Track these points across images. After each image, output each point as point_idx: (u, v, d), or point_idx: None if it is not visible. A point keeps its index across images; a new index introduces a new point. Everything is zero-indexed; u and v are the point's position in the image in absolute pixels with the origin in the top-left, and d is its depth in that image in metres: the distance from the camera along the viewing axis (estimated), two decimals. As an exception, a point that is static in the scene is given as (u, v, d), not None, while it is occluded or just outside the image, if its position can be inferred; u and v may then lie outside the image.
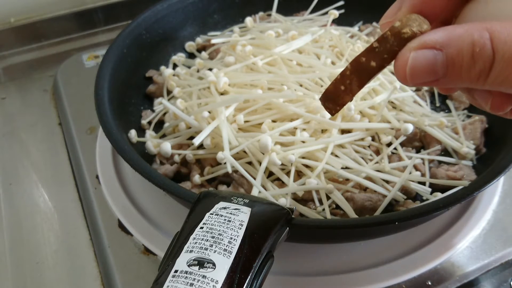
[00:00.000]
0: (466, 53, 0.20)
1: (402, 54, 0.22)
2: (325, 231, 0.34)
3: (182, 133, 0.46)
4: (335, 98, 0.26)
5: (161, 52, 0.57)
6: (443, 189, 0.41)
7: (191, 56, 0.59)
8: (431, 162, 0.44)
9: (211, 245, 0.25)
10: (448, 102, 0.51)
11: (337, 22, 0.61)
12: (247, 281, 0.24)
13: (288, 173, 0.41)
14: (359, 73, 0.25)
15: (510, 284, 0.39)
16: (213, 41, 0.56)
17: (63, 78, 0.61)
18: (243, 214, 0.27)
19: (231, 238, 0.25)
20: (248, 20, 0.59)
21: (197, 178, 0.43)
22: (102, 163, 0.48)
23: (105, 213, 0.44)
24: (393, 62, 0.24)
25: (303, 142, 0.42)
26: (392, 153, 0.44)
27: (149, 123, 0.50)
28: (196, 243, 0.25)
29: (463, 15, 0.25)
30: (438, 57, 0.21)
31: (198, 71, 0.54)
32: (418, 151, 0.46)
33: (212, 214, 0.27)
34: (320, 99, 0.28)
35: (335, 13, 0.58)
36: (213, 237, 0.25)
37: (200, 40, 0.60)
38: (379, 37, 0.24)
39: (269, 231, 0.27)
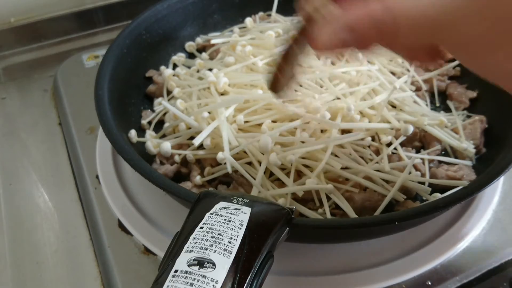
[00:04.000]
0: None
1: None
2: (325, 231, 0.34)
3: (182, 134, 0.46)
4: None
5: (161, 52, 0.57)
6: (443, 189, 0.41)
7: (191, 56, 0.59)
8: (431, 162, 0.44)
9: (211, 245, 0.25)
10: (448, 102, 0.51)
11: (337, 22, 0.61)
12: (247, 281, 0.24)
13: (288, 173, 0.41)
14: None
15: (510, 284, 0.39)
16: (213, 41, 0.56)
17: (63, 78, 0.61)
18: (243, 214, 0.27)
19: (231, 238, 0.25)
20: (248, 20, 0.59)
21: (198, 179, 0.43)
22: (102, 163, 0.48)
23: (105, 213, 0.44)
24: None
25: (303, 142, 0.42)
26: (392, 153, 0.44)
27: (149, 123, 0.50)
28: (196, 243, 0.25)
29: None
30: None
31: (198, 71, 0.54)
32: (418, 151, 0.46)
33: (212, 214, 0.27)
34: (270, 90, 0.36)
35: (335, 13, 0.58)
36: (213, 237, 0.25)
37: (200, 40, 0.60)
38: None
39: (269, 231, 0.27)
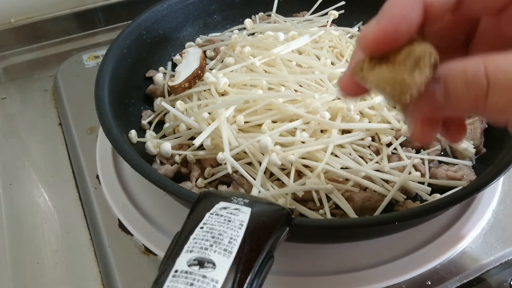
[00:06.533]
0: (459, 81, 0.21)
1: None
2: (325, 231, 0.34)
3: (182, 134, 0.46)
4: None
5: (161, 52, 0.57)
6: (442, 189, 0.41)
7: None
8: (431, 162, 0.44)
9: (211, 245, 0.25)
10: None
11: (337, 22, 0.61)
12: (247, 281, 0.24)
13: (288, 173, 0.41)
14: None
15: (510, 284, 0.39)
16: (211, 35, 0.56)
17: (63, 78, 0.61)
18: (243, 214, 0.27)
19: (231, 238, 0.25)
20: (247, 21, 0.59)
21: (200, 182, 0.43)
22: (102, 163, 0.48)
23: (105, 213, 0.44)
24: None
25: (303, 142, 0.42)
26: (392, 153, 0.44)
27: (150, 123, 0.50)
28: (196, 243, 0.25)
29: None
30: (437, 87, 0.22)
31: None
32: (418, 151, 0.46)
33: (212, 214, 0.27)
34: None
35: (334, 14, 0.58)
36: (213, 237, 0.25)
37: (200, 40, 0.60)
38: None
39: (269, 231, 0.27)
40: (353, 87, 0.25)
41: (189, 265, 0.24)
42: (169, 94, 0.52)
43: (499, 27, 0.24)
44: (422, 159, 0.44)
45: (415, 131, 0.25)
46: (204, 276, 0.23)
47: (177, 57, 0.57)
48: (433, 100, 0.22)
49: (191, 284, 0.23)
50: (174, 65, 0.57)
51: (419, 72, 0.21)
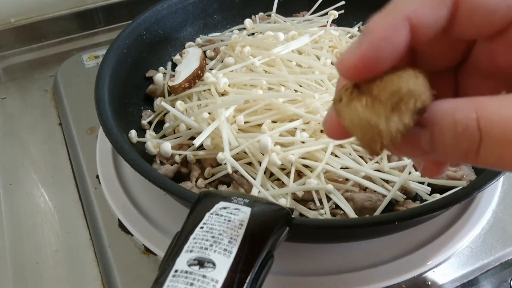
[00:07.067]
0: (447, 134, 0.18)
1: None
2: (325, 231, 0.34)
3: (182, 134, 0.46)
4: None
5: (161, 52, 0.57)
6: (442, 189, 0.41)
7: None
8: (431, 162, 0.44)
9: (211, 245, 0.25)
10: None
11: (337, 22, 0.61)
12: (247, 281, 0.24)
13: (288, 173, 0.41)
14: None
15: (510, 284, 0.39)
16: (212, 35, 0.56)
17: (63, 78, 0.61)
18: (243, 214, 0.27)
19: (231, 238, 0.25)
20: (247, 21, 0.59)
21: (200, 182, 0.43)
22: (102, 163, 0.48)
23: (105, 213, 0.44)
24: None
25: (303, 142, 0.42)
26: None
27: (150, 123, 0.50)
28: (196, 243, 0.25)
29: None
30: (423, 133, 0.19)
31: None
32: (418, 151, 0.46)
33: (212, 214, 0.27)
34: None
35: (334, 14, 0.58)
36: (213, 237, 0.25)
37: (200, 40, 0.60)
38: None
39: (269, 231, 0.27)
40: (341, 129, 0.21)
41: (189, 265, 0.24)
42: (169, 94, 0.52)
43: (494, 54, 0.21)
44: (422, 159, 0.44)
45: (422, 172, 0.23)
46: (204, 276, 0.23)
47: (177, 57, 0.57)
48: (417, 146, 0.20)
49: (191, 284, 0.23)
50: (174, 65, 0.57)
51: (398, 118, 0.18)
